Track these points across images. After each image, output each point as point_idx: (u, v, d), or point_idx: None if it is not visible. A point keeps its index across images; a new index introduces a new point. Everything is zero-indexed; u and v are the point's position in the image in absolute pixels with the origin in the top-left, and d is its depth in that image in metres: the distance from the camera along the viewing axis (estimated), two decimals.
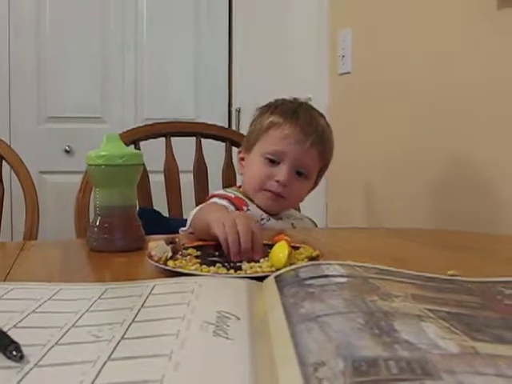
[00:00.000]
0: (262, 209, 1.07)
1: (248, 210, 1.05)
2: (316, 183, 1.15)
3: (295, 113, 1.07)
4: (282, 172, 1.04)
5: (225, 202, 1.04)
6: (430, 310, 0.43)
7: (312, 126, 1.05)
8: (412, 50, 1.47)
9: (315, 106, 1.16)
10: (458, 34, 1.30)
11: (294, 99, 1.13)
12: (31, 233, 1.28)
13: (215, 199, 1.06)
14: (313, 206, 1.90)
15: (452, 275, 0.59)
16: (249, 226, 0.71)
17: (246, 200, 1.07)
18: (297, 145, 1.03)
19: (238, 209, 1.04)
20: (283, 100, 1.12)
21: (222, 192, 1.10)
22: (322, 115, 1.12)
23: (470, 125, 1.26)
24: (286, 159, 1.04)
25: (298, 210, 1.30)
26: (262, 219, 1.06)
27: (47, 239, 1.38)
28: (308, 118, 1.07)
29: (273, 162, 1.05)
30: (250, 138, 1.11)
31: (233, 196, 1.07)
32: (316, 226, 1.25)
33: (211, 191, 1.41)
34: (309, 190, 1.13)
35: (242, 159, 1.14)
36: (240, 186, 1.16)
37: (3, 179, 1.35)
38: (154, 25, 2.70)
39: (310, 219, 1.22)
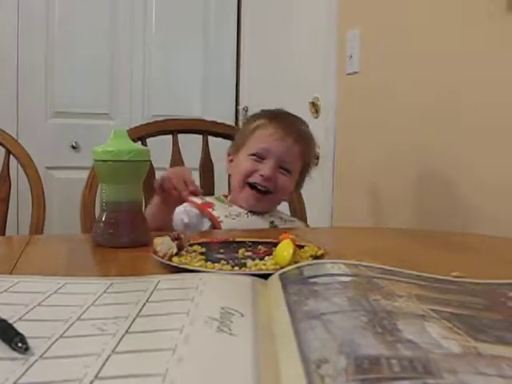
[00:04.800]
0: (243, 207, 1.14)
1: (214, 210, 1.12)
2: (299, 184, 1.22)
3: (277, 116, 1.19)
4: (266, 166, 1.12)
5: (189, 208, 1.13)
6: (433, 310, 0.43)
7: (293, 127, 1.16)
8: (420, 50, 1.47)
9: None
10: (466, 34, 1.30)
11: (276, 109, 1.24)
12: (37, 227, 1.29)
13: (185, 204, 1.12)
14: (319, 204, 1.90)
15: (456, 277, 0.59)
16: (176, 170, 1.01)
17: (214, 202, 1.15)
18: (280, 141, 1.13)
19: (201, 211, 1.13)
20: (266, 109, 1.24)
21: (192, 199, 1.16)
22: (303, 122, 1.22)
23: (479, 123, 1.26)
24: (270, 155, 1.12)
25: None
26: (239, 215, 1.12)
27: (53, 234, 1.39)
28: (288, 121, 1.19)
29: (258, 159, 1.13)
30: (239, 141, 1.22)
31: (199, 202, 1.14)
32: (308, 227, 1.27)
33: (217, 189, 1.42)
34: (292, 186, 1.19)
35: (231, 161, 1.23)
36: (227, 196, 1.22)
37: (10, 173, 1.35)
38: (162, 22, 2.70)
39: (301, 221, 1.25)
